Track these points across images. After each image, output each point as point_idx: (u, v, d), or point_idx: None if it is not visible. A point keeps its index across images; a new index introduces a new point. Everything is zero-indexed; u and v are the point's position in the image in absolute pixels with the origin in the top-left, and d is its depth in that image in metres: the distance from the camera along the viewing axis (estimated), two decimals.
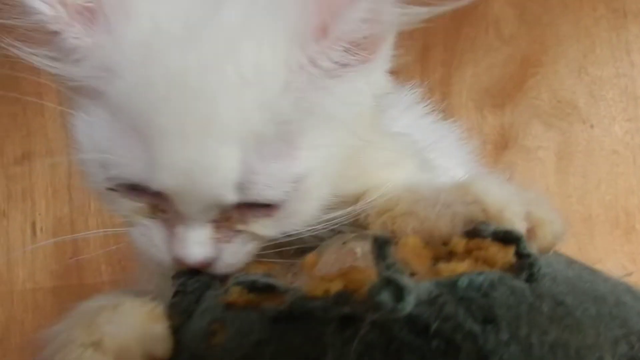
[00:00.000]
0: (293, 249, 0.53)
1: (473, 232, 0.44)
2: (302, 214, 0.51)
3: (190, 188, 0.46)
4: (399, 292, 0.33)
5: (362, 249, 0.48)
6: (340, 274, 0.42)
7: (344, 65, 0.46)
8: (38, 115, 1.42)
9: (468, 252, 0.42)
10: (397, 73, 0.55)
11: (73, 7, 0.45)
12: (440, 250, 0.44)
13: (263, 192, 0.47)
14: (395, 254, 0.36)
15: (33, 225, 1.38)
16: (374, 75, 0.50)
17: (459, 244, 0.43)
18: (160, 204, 0.49)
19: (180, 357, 0.47)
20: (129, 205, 0.49)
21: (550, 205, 0.49)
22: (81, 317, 0.49)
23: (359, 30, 0.45)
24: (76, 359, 0.44)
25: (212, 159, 0.44)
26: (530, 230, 0.45)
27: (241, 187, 0.46)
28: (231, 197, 0.46)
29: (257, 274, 0.48)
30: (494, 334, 0.36)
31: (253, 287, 0.45)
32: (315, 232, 0.52)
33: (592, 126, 1.46)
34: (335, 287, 0.40)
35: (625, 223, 1.37)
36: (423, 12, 0.45)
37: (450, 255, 0.44)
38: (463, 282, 0.38)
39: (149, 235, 0.50)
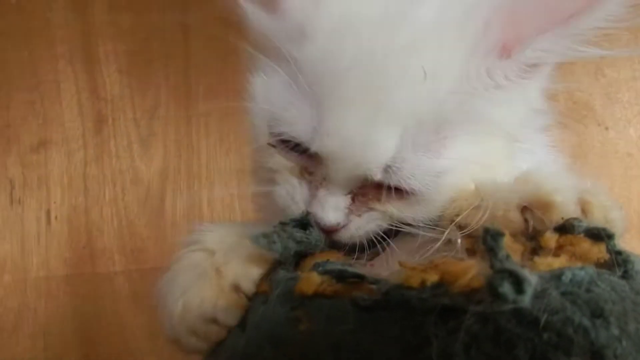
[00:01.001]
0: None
1: (564, 228, 0.44)
2: (433, 205, 0.53)
3: (345, 156, 0.49)
4: (519, 284, 0.33)
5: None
6: (434, 265, 0.41)
7: (512, 80, 0.50)
8: (55, 103, 1.42)
9: (560, 248, 0.42)
10: None
11: None
12: (528, 245, 0.44)
13: (406, 180, 0.50)
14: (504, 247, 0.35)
15: (48, 213, 1.37)
16: (532, 92, 0.55)
17: (551, 239, 0.43)
18: (311, 167, 0.54)
19: (257, 336, 0.47)
20: (283, 162, 0.54)
21: (608, 195, 0.49)
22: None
23: (540, 57, 0.49)
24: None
25: (374, 135, 0.48)
26: (582, 214, 0.46)
27: (388, 169, 0.49)
28: (377, 175, 0.50)
29: (338, 263, 0.48)
30: (604, 329, 0.36)
31: (341, 276, 0.45)
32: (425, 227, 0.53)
33: (607, 128, 1.45)
34: (432, 277, 0.40)
35: (639, 225, 1.36)
36: (594, 53, 0.50)
37: (536, 250, 0.44)
38: (567, 277, 0.38)
39: (292, 194, 0.55)
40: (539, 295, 0.37)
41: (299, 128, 0.50)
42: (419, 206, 0.53)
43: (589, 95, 1.42)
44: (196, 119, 1.41)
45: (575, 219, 0.43)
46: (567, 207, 0.45)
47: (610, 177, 1.39)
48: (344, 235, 0.55)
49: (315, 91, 0.49)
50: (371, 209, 0.54)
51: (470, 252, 0.44)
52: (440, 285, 0.40)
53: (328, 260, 0.49)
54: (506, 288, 0.33)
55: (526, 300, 0.33)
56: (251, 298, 0.52)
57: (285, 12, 0.52)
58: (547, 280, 0.38)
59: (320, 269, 0.46)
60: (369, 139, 0.48)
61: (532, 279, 0.33)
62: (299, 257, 0.52)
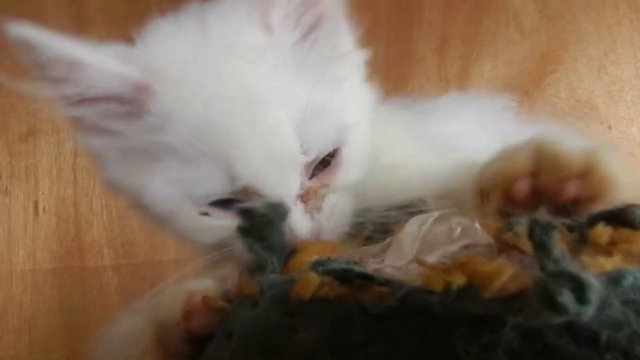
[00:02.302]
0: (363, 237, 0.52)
1: (616, 218, 0.35)
2: (357, 161, 0.58)
3: (272, 169, 0.52)
4: (581, 292, 0.24)
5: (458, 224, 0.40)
6: (459, 264, 0.33)
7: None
8: None
9: (612, 244, 0.33)
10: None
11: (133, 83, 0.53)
12: (570, 238, 0.36)
13: (321, 142, 0.54)
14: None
15: (35, 204, 1.31)
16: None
17: (603, 234, 0.34)
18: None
19: (245, 346, 0.39)
20: (224, 220, 0.54)
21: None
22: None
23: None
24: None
25: (280, 138, 0.52)
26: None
27: (304, 146, 0.53)
28: (301, 157, 0.53)
29: (340, 261, 0.39)
30: None
31: (345, 276, 0.36)
32: (382, 216, 0.54)
33: (609, 127, 1.40)
34: (458, 279, 0.32)
35: None
36: None
37: (580, 245, 0.35)
38: (628, 281, 0.29)
39: None
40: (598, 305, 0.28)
41: (216, 186, 0.53)
42: (350, 166, 0.57)
43: (591, 93, 1.39)
44: None
45: (636, 206, 0.35)
46: (572, 157, 0.42)
47: None
48: (327, 234, 0.56)
49: (207, 149, 0.52)
50: (323, 197, 0.56)
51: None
52: (468, 289, 0.31)
53: (329, 258, 0.41)
54: (566, 297, 0.24)
55: (590, 312, 0.24)
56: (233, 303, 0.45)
57: (150, 113, 0.53)
58: (604, 286, 0.29)
59: (321, 268, 0.38)
60: (273, 139, 0.52)
61: (596, 285, 0.24)
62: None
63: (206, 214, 0.55)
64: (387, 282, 0.35)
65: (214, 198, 0.54)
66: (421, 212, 0.49)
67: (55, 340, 1.26)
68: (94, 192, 1.32)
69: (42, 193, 1.32)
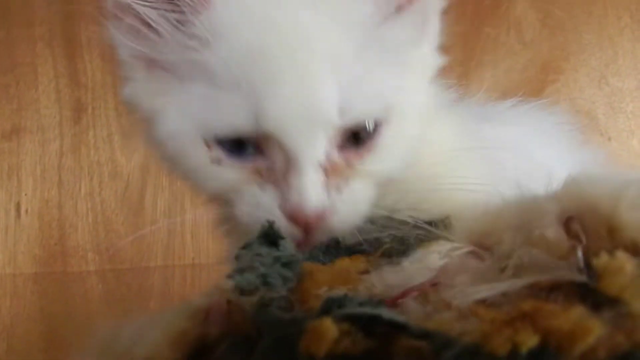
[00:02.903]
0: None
1: None
2: (395, 150, 0.53)
3: (296, 119, 0.48)
4: None
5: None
6: (523, 314, 0.26)
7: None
8: (31, 88, 1.31)
9: None
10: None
11: None
12: None
13: (360, 110, 0.49)
14: None
15: (18, 205, 1.26)
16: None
17: None
18: (265, 163, 0.50)
19: None
20: (234, 173, 0.50)
21: None
22: None
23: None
24: None
25: (314, 83, 0.48)
26: None
27: (341, 108, 0.48)
28: (334, 116, 0.48)
29: (360, 299, 0.32)
30: None
31: (370, 325, 0.28)
32: (394, 229, 0.50)
33: (609, 139, 1.37)
34: (528, 339, 0.24)
35: None
36: None
37: None
38: None
39: (258, 201, 0.50)
40: None
41: (239, 120, 0.48)
42: (385, 153, 0.52)
43: (591, 104, 1.37)
44: None
45: None
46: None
47: None
48: (337, 221, 0.50)
49: (242, 79, 0.48)
50: (347, 179, 0.51)
51: None
52: (543, 352, 0.24)
53: (345, 294, 0.33)
54: None
55: None
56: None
57: (199, 26, 0.50)
58: None
59: (337, 311, 0.30)
60: (310, 87, 0.48)
61: None
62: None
63: (216, 161, 0.51)
64: (427, 335, 0.28)
65: (230, 134, 0.49)
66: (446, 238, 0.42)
67: (35, 348, 1.22)
68: (79, 195, 1.27)
69: (25, 194, 1.27)
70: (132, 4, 0.49)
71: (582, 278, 0.28)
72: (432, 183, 0.54)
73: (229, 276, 0.38)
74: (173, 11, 0.50)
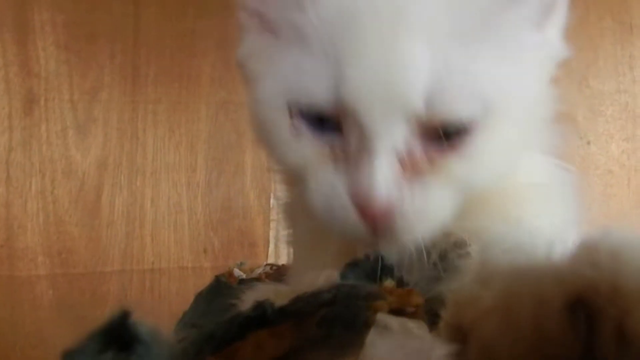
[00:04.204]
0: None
1: None
2: (488, 156, 0.47)
3: (377, 96, 0.44)
4: None
5: None
6: None
7: None
8: None
9: None
10: None
11: None
12: None
13: (452, 105, 0.44)
14: None
15: None
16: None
17: None
18: (343, 141, 0.47)
19: None
20: (311, 148, 0.48)
21: None
22: None
23: None
24: None
25: (401, 59, 0.44)
26: None
27: (430, 98, 0.44)
28: (419, 104, 0.44)
29: None
30: None
31: None
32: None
33: (588, 143, 1.39)
34: None
35: None
36: None
37: None
38: None
39: (330, 182, 0.47)
40: None
41: (321, 89, 0.46)
42: (477, 157, 0.46)
43: (571, 106, 1.36)
44: (143, 106, 1.29)
45: None
46: None
47: (589, 194, 1.30)
48: (400, 226, 0.45)
49: (329, 46, 0.46)
50: (424, 179, 0.46)
51: None
52: None
53: None
54: None
55: None
56: None
57: None
58: None
59: None
60: (397, 65, 0.44)
61: None
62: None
63: (295, 134, 0.49)
64: None
65: (311, 105, 0.47)
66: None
67: None
68: (29, 193, 1.22)
69: None
70: None
71: None
72: (501, 216, 0.49)
73: None
74: None
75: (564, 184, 0.56)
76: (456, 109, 0.45)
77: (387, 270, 0.42)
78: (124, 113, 1.26)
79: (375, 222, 0.45)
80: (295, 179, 0.53)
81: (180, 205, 1.26)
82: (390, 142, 0.45)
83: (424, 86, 0.44)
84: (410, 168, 0.45)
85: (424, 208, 0.45)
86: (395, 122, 0.45)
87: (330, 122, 0.47)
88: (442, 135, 0.46)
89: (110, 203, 1.24)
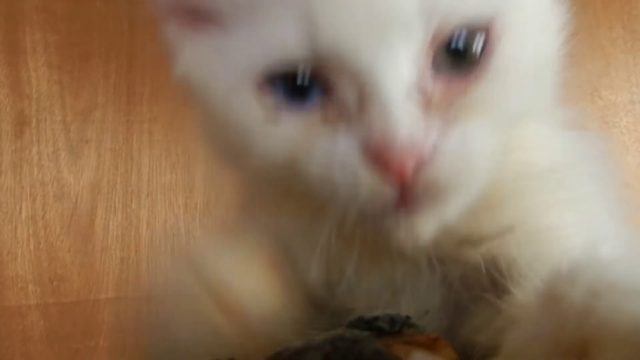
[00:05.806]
0: None
1: None
2: (515, 75, 0.41)
3: (363, 21, 0.37)
4: None
5: None
6: None
7: None
8: None
9: None
10: None
11: None
12: None
13: (452, 8, 0.37)
14: None
15: None
16: None
17: None
18: (334, 105, 0.40)
19: None
20: (296, 128, 0.42)
21: None
22: None
23: None
24: None
25: None
26: None
27: (425, 9, 0.37)
28: (415, 19, 0.37)
29: None
30: None
31: None
32: None
33: None
34: None
35: None
36: None
37: None
38: None
39: (332, 151, 0.39)
40: None
41: (291, 43, 0.39)
42: (504, 78, 0.40)
43: (583, 119, 1.29)
44: (138, 126, 1.27)
45: None
46: None
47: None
48: (439, 171, 0.37)
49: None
50: (456, 118, 0.38)
51: None
52: None
53: None
54: None
55: None
56: None
57: None
58: None
59: None
60: None
61: None
62: None
63: (272, 118, 0.42)
64: None
65: (282, 65, 0.40)
66: None
67: None
68: (19, 218, 1.20)
69: None
70: None
71: None
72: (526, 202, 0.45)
73: None
74: None
75: (591, 158, 0.51)
76: (456, 12, 0.38)
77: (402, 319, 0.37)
78: (118, 133, 1.25)
79: (403, 176, 0.37)
80: (275, 176, 0.46)
81: (177, 227, 1.24)
82: (395, 78, 0.38)
83: None
84: (432, 105, 0.38)
85: (463, 150, 0.38)
86: (393, 51, 0.38)
87: (314, 87, 0.41)
88: (460, 52, 0.39)
89: (104, 227, 1.22)
